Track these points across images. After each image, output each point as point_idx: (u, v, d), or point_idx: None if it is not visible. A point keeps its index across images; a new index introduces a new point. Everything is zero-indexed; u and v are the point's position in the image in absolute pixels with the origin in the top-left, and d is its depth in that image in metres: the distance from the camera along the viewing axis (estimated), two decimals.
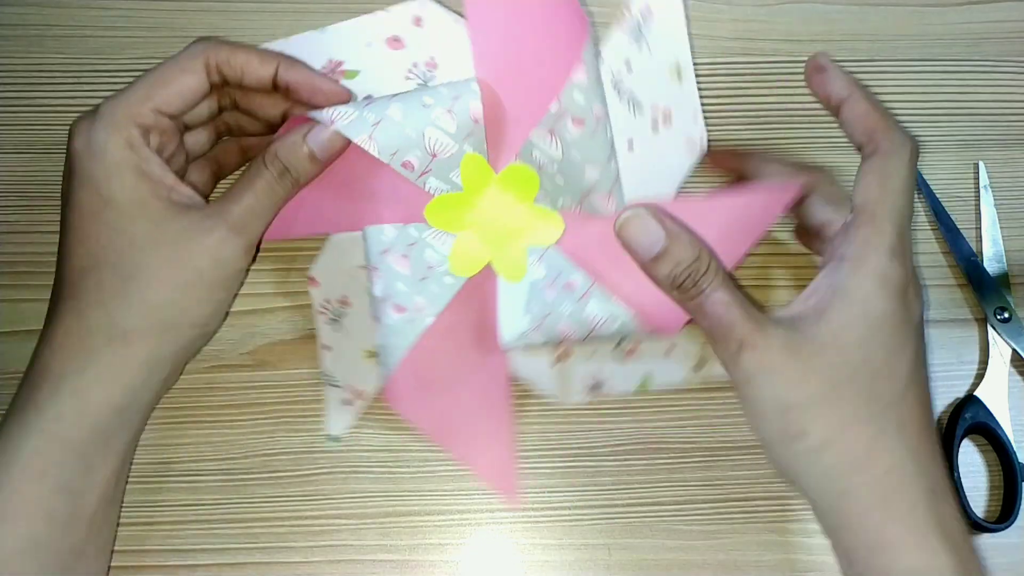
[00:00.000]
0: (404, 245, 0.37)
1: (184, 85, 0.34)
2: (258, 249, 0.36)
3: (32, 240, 0.42)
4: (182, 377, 0.39)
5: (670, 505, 0.40)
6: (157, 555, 0.38)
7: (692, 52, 0.40)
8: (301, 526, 0.39)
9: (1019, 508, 0.38)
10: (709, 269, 0.31)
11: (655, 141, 0.39)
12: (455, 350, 0.38)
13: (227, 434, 0.40)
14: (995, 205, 0.43)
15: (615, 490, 0.40)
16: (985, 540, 0.39)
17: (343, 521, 0.39)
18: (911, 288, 0.31)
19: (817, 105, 0.45)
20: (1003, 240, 0.42)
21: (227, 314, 0.39)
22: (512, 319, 0.37)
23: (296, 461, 0.40)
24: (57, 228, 0.41)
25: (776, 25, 0.46)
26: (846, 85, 0.34)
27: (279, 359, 0.41)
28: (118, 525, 0.37)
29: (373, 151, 0.34)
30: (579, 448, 0.40)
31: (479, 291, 0.37)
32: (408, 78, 0.38)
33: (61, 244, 0.34)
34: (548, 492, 0.40)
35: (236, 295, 0.36)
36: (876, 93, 0.44)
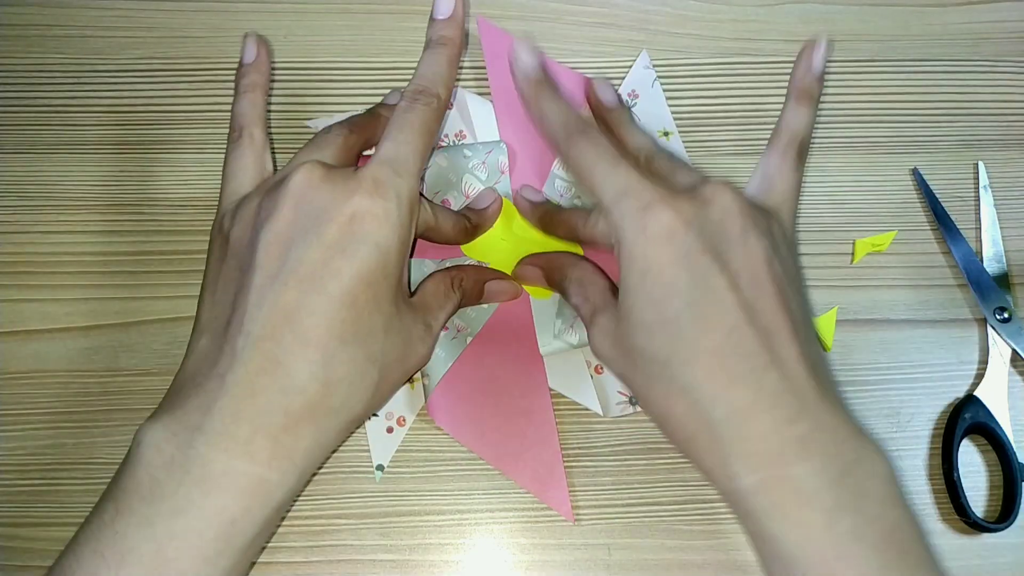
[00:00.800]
0: None
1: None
2: None
3: (32, 240, 0.42)
4: None
5: (670, 505, 0.40)
6: None
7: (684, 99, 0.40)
8: (301, 526, 0.39)
9: (1019, 508, 0.38)
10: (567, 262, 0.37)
11: None
12: (496, 363, 0.40)
13: None
14: (995, 205, 0.43)
15: (615, 490, 0.40)
16: (985, 540, 0.39)
17: (343, 521, 0.39)
18: (688, 226, 0.30)
19: (817, 105, 0.45)
20: (1003, 240, 0.42)
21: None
22: (546, 325, 0.40)
23: None
24: (57, 228, 0.42)
25: (776, 25, 0.46)
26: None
27: None
28: None
29: (422, 189, 0.40)
30: (579, 448, 0.40)
31: (514, 308, 0.41)
32: (441, 146, 0.43)
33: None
34: None
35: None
36: (876, 93, 0.45)
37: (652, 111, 0.44)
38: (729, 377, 0.29)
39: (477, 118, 0.43)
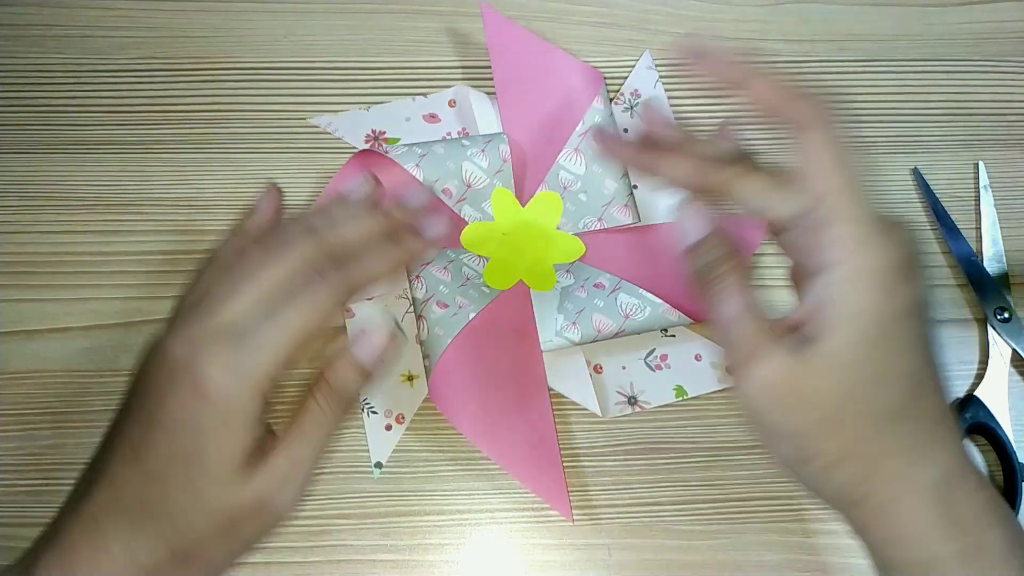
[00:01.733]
0: (444, 261, 0.41)
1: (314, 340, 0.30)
2: None
3: (32, 240, 0.42)
4: None
5: (670, 505, 0.40)
6: None
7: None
8: (301, 526, 0.39)
9: (1019, 508, 0.38)
10: (724, 273, 0.30)
11: None
12: (496, 353, 0.39)
13: None
14: (995, 205, 0.43)
15: (615, 490, 0.40)
16: None
17: (343, 521, 0.39)
18: (896, 273, 0.28)
19: None
20: (1003, 240, 0.42)
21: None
22: (548, 320, 0.40)
23: None
24: (57, 228, 0.42)
25: (776, 25, 0.46)
26: (739, 69, 0.31)
27: None
28: None
29: (419, 177, 0.40)
30: (579, 448, 0.40)
31: (516, 300, 0.40)
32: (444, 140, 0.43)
33: (129, 434, 0.30)
34: None
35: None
36: (876, 93, 0.45)
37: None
38: (938, 440, 0.29)
39: (481, 118, 0.43)
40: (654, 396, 0.40)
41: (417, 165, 0.40)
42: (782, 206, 0.30)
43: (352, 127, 0.44)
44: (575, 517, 0.39)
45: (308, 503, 0.39)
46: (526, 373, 0.40)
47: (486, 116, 0.43)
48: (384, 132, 0.44)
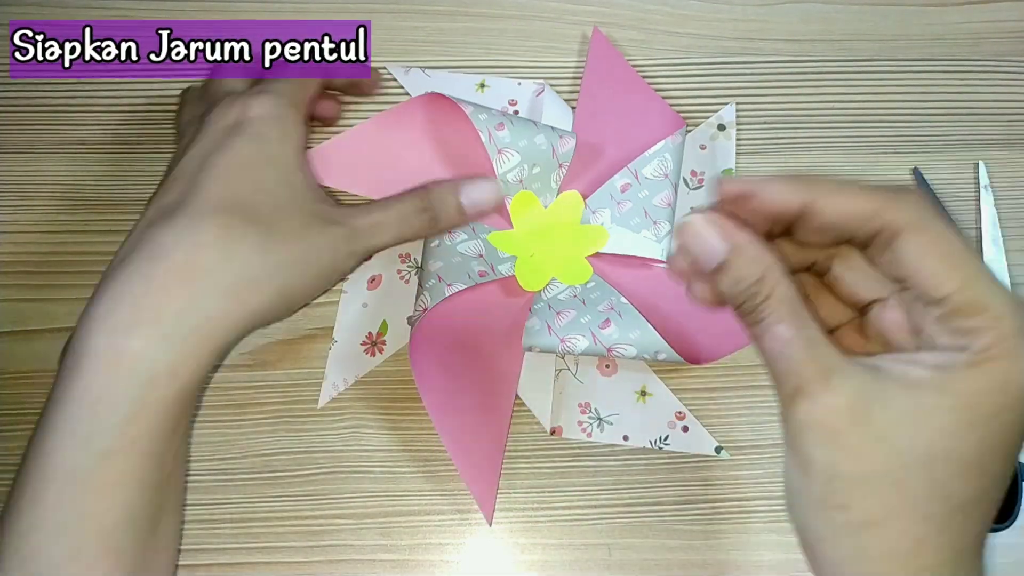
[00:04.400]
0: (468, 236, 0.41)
1: None
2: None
3: (33, 240, 0.42)
4: None
5: (670, 505, 0.40)
6: None
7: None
8: (301, 526, 0.39)
9: (1019, 508, 0.38)
10: (772, 296, 0.26)
11: None
12: (476, 333, 0.39)
13: (227, 434, 0.40)
14: (995, 205, 0.43)
15: (615, 490, 0.40)
16: None
17: (343, 521, 0.39)
18: None
19: (817, 105, 0.45)
20: (1003, 240, 0.42)
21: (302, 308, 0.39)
22: (533, 325, 0.39)
23: (296, 461, 0.40)
24: (57, 228, 0.42)
25: (776, 25, 0.46)
26: (801, 186, 0.26)
27: (279, 359, 0.41)
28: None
29: (488, 142, 0.39)
30: (579, 448, 0.40)
31: (518, 293, 0.40)
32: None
33: (189, 171, 0.34)
34: (548, 492, 0.40)
35: (312, 298, 0.36)
36: (876, 93, 0.45)
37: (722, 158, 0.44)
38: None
39: (549, 120, 0.42)
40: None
41: (490, 134, 0.39)
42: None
43: (427, 86, 0.43)
44: (575, 517, 0.39)
45: (308, 503, 0.39)
46: (501, 368, 0.39)
47: (557, 121, 0.42)
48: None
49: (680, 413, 0.40)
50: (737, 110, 0.44)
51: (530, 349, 0.39)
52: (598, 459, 0.40)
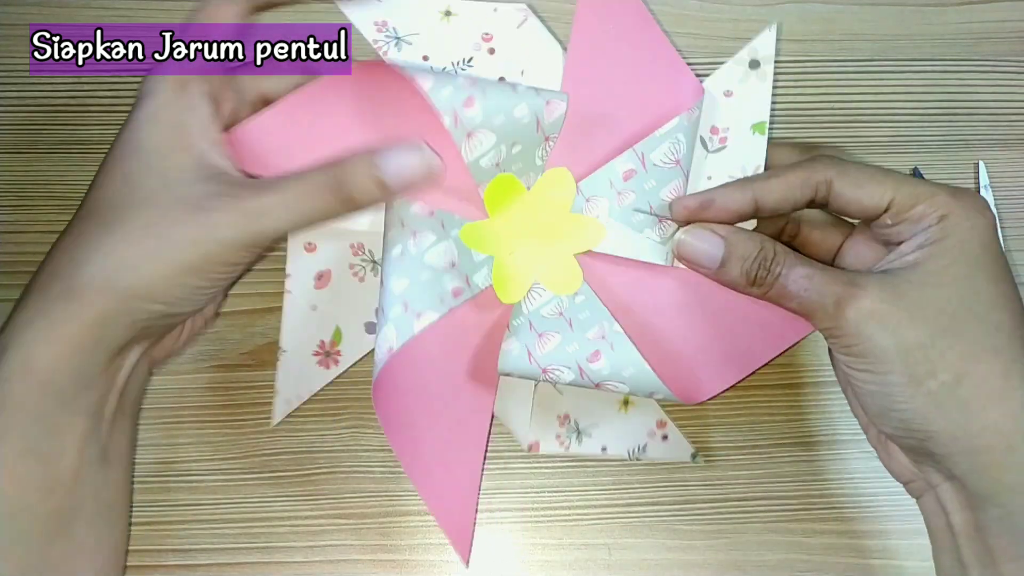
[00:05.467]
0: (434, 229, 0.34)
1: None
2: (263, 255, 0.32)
3: (32, 240, 0.42)
4: (182, 377, 0.39)
5: (670, 505, 0.40)
6: (156, 555, 0.38)
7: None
8: (301, 526, 0.39)
9: None
10: (777, 253, 0.32)
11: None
12: (447, 369, 0.35)
13: (227, 434, 0.40)
14: (995, 205, 0.43)
15: (615, 490, 0.40)
16: None
17: (343, 521, 0.39)
18: (993, 231, 0.32)
19: (817, 105, 0.45)
20: (1003, 240, 0.42)
21: (217, 305, 0.38)
22: (512, 349, 0.34)
23: (296, 461, 0.40)
24: (57, 228, 0.41)
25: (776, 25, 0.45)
26: (743, 186, 0.33)
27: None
28: (131, 493, 0.36)
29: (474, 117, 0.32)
30: None
31: (488, 318, 0.36)
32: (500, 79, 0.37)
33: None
34: (548, 492, 0.40)
35: (225, 288, 0.34)
36: (876, 93, 0.45)
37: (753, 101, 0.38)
38: None
39: (532, 59, 0.36)
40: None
41: (456, 116, 0.31)
42: (881, 195, 0.32)
43: (375, 14, 0.36)
44: (575, 517, 0.39)
45: (308, 503, 0.39)
46: (475, 401, 0.36)
47: (544, 64, 0.36)
48: (387, 22, 0.35)
49: (661, 421, 0.39)
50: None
51: (508, 374, 0.35)
52: (598, 459, 0.40)
